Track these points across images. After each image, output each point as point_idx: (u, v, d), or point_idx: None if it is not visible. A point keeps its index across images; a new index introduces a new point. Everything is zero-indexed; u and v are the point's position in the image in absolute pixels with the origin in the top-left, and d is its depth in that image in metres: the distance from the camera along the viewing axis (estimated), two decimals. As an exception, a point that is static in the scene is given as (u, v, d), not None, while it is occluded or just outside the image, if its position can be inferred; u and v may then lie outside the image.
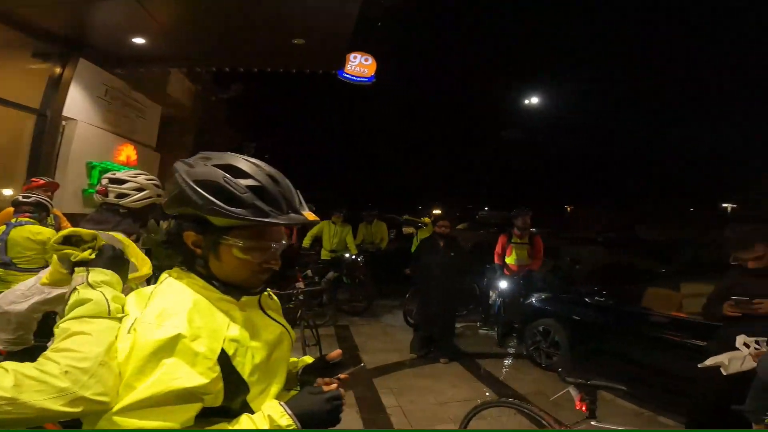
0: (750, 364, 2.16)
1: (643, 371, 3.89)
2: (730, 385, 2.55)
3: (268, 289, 1.20)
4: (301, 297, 4.16)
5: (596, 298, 4.63)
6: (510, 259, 5.95)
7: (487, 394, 4.13)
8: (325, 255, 7.20)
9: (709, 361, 2.22)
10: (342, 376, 1.16)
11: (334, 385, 1.08)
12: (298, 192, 1.10)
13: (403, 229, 10.21)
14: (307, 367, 1.25)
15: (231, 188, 0.99)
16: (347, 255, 7.07)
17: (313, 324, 4.36)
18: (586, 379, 2.27)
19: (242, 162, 1.05)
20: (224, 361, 0.94)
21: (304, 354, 4.02)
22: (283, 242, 1.10)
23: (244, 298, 1.07)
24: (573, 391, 2.28)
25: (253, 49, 6.03)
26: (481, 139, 25.01)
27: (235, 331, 0.98)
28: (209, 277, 1.04)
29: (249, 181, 1.01)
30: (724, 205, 17.60)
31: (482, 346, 5.63)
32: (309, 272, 6.79)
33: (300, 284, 4.50)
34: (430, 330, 5.07)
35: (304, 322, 4.19)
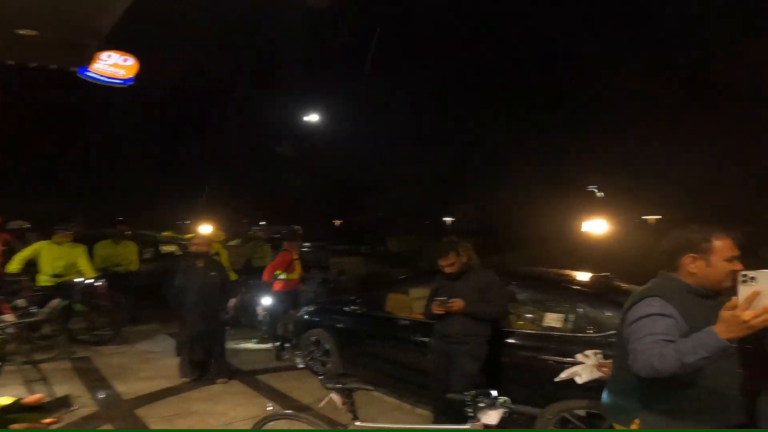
0: (597, 374, 2.31)
1: (397, 369, 4.40)
2: (445, 378, 3.36)
3: None
4: (10, 330, 3.57)
5: (352, 306, 5.07)
6: (294, 275, 6.37)
7: (270, 408, 4.31)
8: (44, 281, 6.12)
9: (564, 374, 2.38)
10: (47, 420, 1.12)
11: None
12: None
13: (161, 247, 9.44)
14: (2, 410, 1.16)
15: None
16: (78, 279, 6.24)
17: (32, 359, 3.88)
18: (343, 383, 2.42)
19: None
20: None
21: (28, 391, 3.59)
22: None
23: None
24: (335, 396, 2.42)
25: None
26: (253, 153, 24.89)
27: None
28: None
29: None
30: (444, 218, 22.71)
31: (262, 362, 5.79)
32: (20, 302, 5.61)
33: (8, 316, 3.83)
34: (194, 353, 4.97)
35: (19, 357, 3.62)
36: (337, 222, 26.87)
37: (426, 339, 3.79)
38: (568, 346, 3.38)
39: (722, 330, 1.48)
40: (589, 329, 3.43)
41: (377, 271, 9.55)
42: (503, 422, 2.08)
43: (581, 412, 3.21)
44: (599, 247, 10.83)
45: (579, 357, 2.37)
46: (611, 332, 3.27)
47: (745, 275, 1.50)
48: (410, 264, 10.01)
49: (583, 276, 4.46)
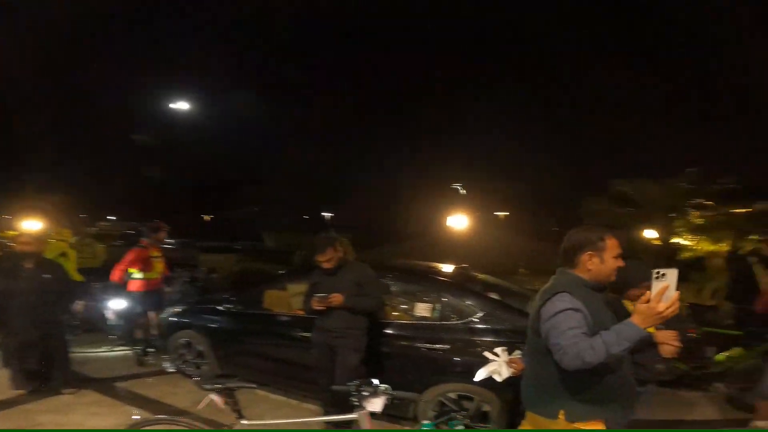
0: (509, 371, 2.37)
1: (280, 366, 4.37)
2: (329, 371, 3.49)
3: None
4: None
5: (226, 305, 4.89)
6: (153, 274, 5.82)
7: (137, 417, 3.96)
8: None
9: (484, 373, 2.42)
10: None
11: None
12: None
13: None
14: None
15: None
16: None
17: None
18: (223, 383, 2.37)
19: None
20: None
21: None
22: None
23: None
24: (215, 397, 2.35)
25: None
26: (107, 141, 21.77)
27: None
28: None
29: None
30: (323, 213, 22.88)
31: (120, 369, 5.29)
32: None
33: None
34: (27, 362, 4.40)
35: None
36: (207, 217, 25.05)
37: (308, 334, 3.85)
38: (437, 333, 3.80)
39: (640, 321, 1.67)
40: (453, 317, 3.87)
41: (252, 267, 9.22)
42: (386, 408, 2.28)
43: (453, 396, 3.59)
44: (460, 241, 12.00)
45: (489, 355, 2.46)
46: (469, 319, 3.78)
47: (657, 272, 1.69)
48: (288, 260, 9.89)
49: (447, 268, 4.93)
